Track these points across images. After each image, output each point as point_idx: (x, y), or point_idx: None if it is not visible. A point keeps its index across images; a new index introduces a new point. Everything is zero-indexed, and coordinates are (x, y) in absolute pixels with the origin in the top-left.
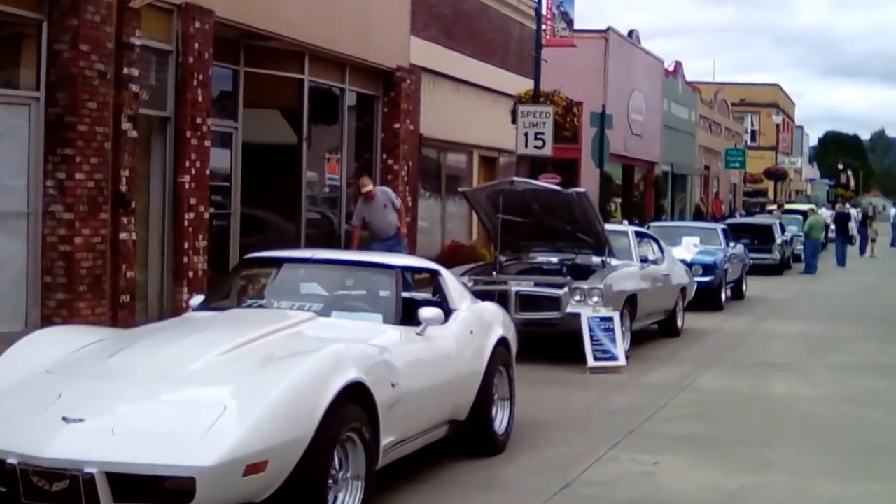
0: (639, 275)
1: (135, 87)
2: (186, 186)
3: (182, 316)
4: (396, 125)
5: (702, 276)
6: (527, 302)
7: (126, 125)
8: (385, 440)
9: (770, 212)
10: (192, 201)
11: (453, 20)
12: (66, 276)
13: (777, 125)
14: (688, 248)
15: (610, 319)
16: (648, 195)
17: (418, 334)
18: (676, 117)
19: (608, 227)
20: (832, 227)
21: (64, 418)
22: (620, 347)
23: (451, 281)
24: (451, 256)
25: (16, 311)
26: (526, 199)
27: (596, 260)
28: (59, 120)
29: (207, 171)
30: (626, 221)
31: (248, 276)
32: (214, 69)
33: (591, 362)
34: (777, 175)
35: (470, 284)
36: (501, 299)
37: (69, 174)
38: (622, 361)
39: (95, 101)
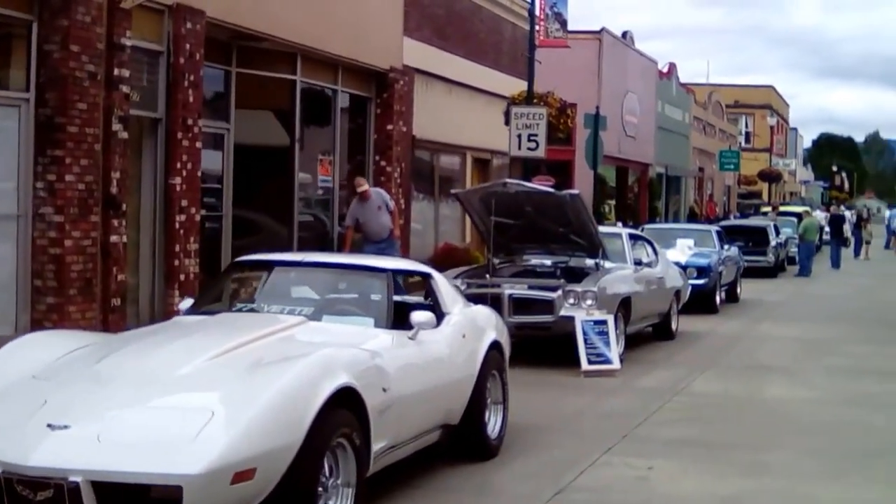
0: (633, 278)
1: (125, 88)
2: (177, 188)
3: (171, 320)
4: (389, 127)
5: (696, 278)
6: (520, 305)
7: (116, 126)
8: (376, 446)
9: (765, 214)
10: (184, 203)
11: (446, 21)
12: (56, 280)
13: (771, 127)
14: (682, 250)
15: (604, 322)
16: (642, 197)
17: (410, 338)
18: (670, 119)
19: (602, 229)
20: (826, 229)
21: (49, 425)
22: (615, 351)
23: (444, 284)
24: (445, 259)
25: (5, 315)
26: (519, 201)
27: (590, 262)
28: (48, 121)
29: (199, 173)
30: (620, 223)
31: (238, 279)
32: (206, 70)
33: (585, 366)
34: (771, 177)
35: (463, 287)
36: (495, 302)
37: (59, 176)
38: (616, 365)
39: (86, 102)
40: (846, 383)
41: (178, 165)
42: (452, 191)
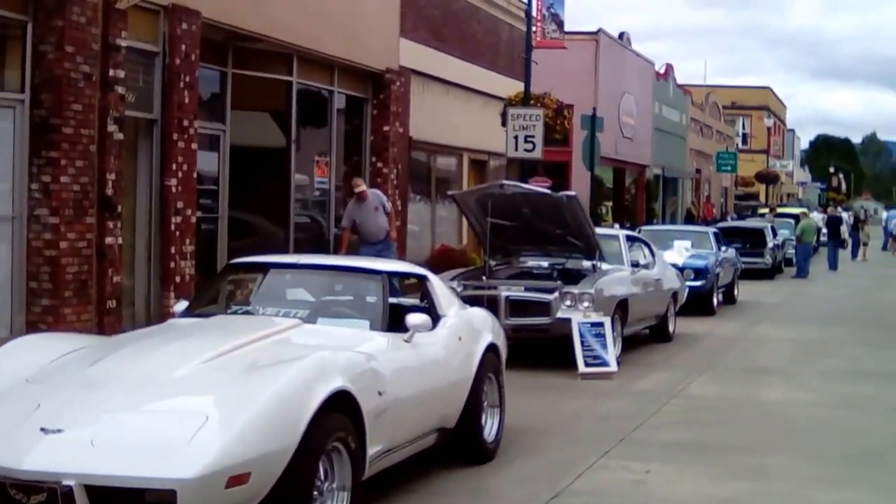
0: (630, 279)
1: (121, 89)
2: (173, 190)
3: (165, 322)
4: (386, 128)
5: (693, 280)
6: (517, 307)
7: (112, 127)
8: (372, 450)
9: (762, 215)
10: (179, 205)
11: (443, 22)
12: (52, 282)
13: (768, 128)
14: (679, 251)
15: (601, 325)
16: (639, 198)
17: (406, 341)
18: (667, 120)
19: (598, 230)
20: (824, 230)
21: (42, 429)
22: (612, 353)
23: (440, 286)
24: (441, 260)
25: (0, 317)
26: (516, 202)
27: (586, 264)
28: (44, 122)
29: (194, 175)
30: (617, 225)
31: (233, 281)
32: (201, 71)
33: (581, 368)
34: (768, 178)
35: (459, 289)
36: (491, 304)
37: (54, 177)
38: (613, 367)
39: (81, 104)
40: (844, 386)
41: (174, 167)
42: (449, 192)
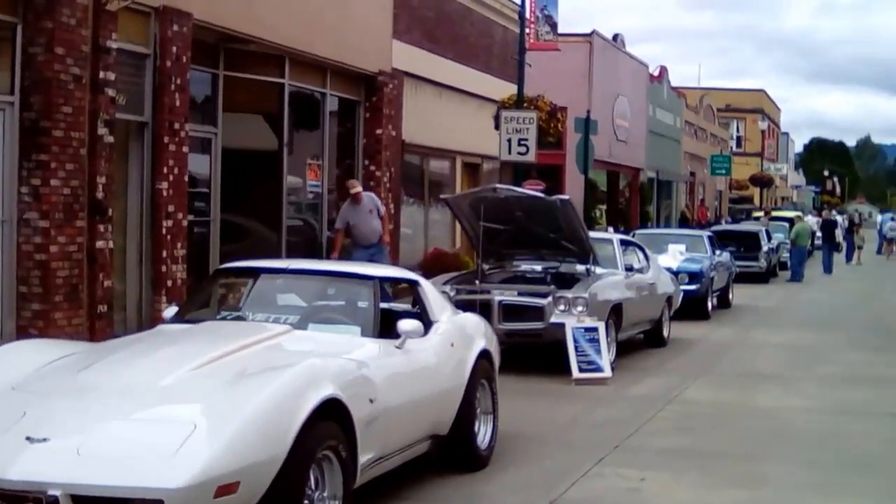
0: (624, 284)
1: (111, 92)
2: (164, 193)
3: (154, 329)
4: (378, 131)
5: (688, 284)
6: (510, 311)
7: (102, 130)
8: (363, 458)
9: (757, 219)
10: (171, 208)
11: (436, 24)
12: (42, 286)
13: (763, 131)
14: (673, 255)
15: (595, 329)
16: (634, 202)
17: (397, 347)
18: (661, 123)
19: (592, 234)
20: (818, 234)
21: (28, 438)
22: (606, 358)
23: (431, 292)
24: (434, 264)
25: None
26: (509, 206)
27: (580, 268)
28: (33, 125)
29: (186, 178)
30: (611, 228)
31: (223, 286)
32: (193, 73)
33: (575, 374)
34: (763, 182)
35: (452, 294)
36: (484, 309)
37: (44, 181)
38: (608, 373)
39: (71, 106)
40: (840, 391)
41: (165, 170)
42: (441, 196)
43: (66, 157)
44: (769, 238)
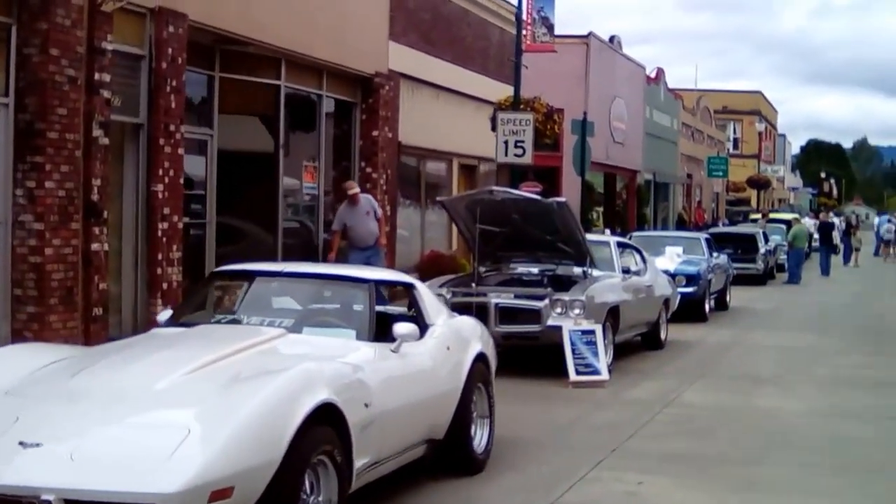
0: (621, 286)
1: (106, 93)
2: (160, 195)
3: (148, 332)
4: (375, 132)
5: (685, 286)
6: (507, 314)
7: (97, 132)
8: (358, 462)
9: (754, 221)
10: (166, 211)
11: (432, 25)
12: (37, 289)
13: (760, 133)
14: (671, 258)
15: (592, 332)
16: (631, 204)
17: (393, 351)
18: (658, 125)
19: (589, 237)
20: (816, 236)
21: (21, 443)
22: (603, 361)
23: (427, 295)
24: (431, 266)
25: None
26: (505, 208)
27: (577, 271)
28: (28, 127)
29: (181, 180)
30: (608, 230)
31: (218, 289)
32: (189, 75)
33: (573, 376)
34: (760, 184)
35: (448, 296)
36: (481, 312)
37: (39, 183)
38: (605, 375)
39: (66, 108)
40: (838, 394)
41: (161, 172)
42: (438, 198)
43: (61, 159)
44: (766, 240)
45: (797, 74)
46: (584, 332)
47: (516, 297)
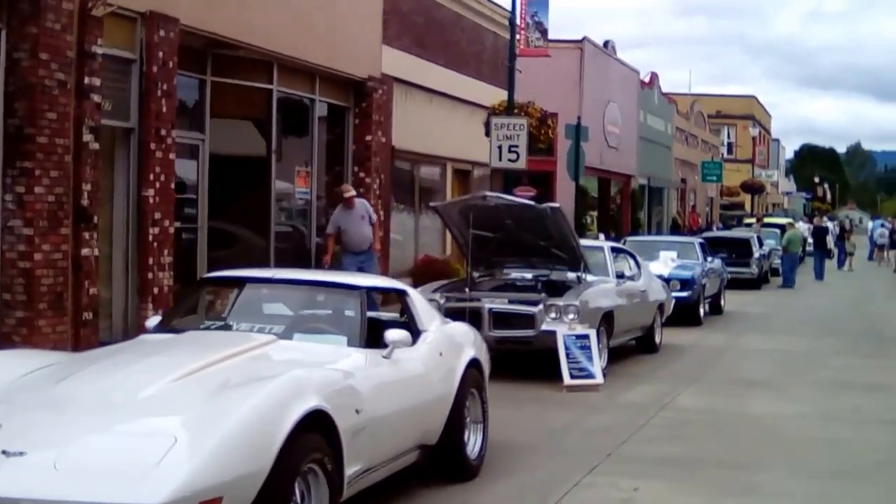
0: (615, 291)
1: (97, 98)
2: (151, 200)
3: (136, 339)
4: (368, 137)
5: (679, 291)
6: (500, 319)
7: (87, 137)
8: (350, 470)
9: (748, 225)
10: (157, 216)
11: (426, 30)
12: (26, 294)
13: (753, 138)
14: (665, 262)
15: (586, 337)
16: (625, 208)
17: (385, 357)
18: (653, 129)
19: (583, 242)
20: (810, 240)
21: (4, 451)
22: (597, 365)
23: (420, 301)
24: (425, 271)
25: None
26: (499, 214)
27: (571, 276)
28: (17, 131)
29: (172, 185)
30: (602, 235)
31: (207, 296)
32: (180, 79)
33: (567, 380)
34: (754, 188)
35: (442, 301)
36: (474, 317)
37: (28, 188)
38: (599, 379)
39: (55, 112)
40: (833, 397)
41: (151, 177)
42: (431, 204)
43: (51, 163)
44: (761, 244)
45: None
46: (579, 337)
47: (510, 302)
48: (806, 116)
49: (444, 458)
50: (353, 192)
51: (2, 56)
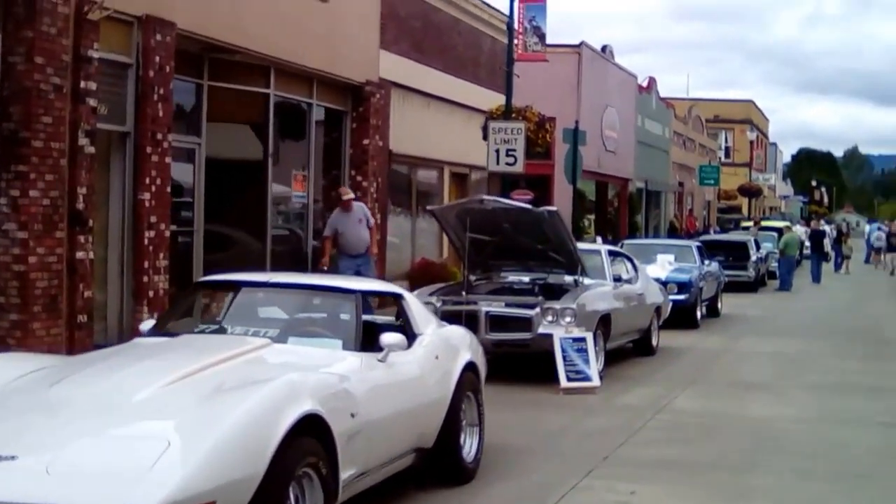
0: (612, 294)
1: (92, 102)
2: (146, 204)
3: (130, 342)
4: (365, 141)
5: (677, 294)
6: (497, 322)
7: (83, 141)
8: (345, 474)
9: (746, 229)
10: (153, 219)
11: (423, 34)
12: (20, 297)
13: (751, 142)
14: (662, 265)
15: (583, 340)
16: (622, 212)
17: (380, 360)
18: (650, 133)
19: (580, 245)
20: (807, 244)
21: None
22: (594, 368)
23: (415, 304)
24: (422, 274)
25: None
26: (496, 217)
27: (568, 279)
28: (13, 135)
29: (168, 188)
30: (599, 238)
31: (202, 299)
32: (176, 83)
33: (564, 383)
34: (751, 192)
35: (439, 305)
36: (471, 320)
37: (23, 191)
38: (596, 382)
39: (51, 116)
40: (830, 400)
41: (147, 181)
42: (428, 207)
43: (46, 167)
44: (758, 248)
45: (788, 83)
46: (576, 340)
47: (507, 305)
48: (804, 120)
49: (440, 462)
50: (351, 195)
51: None
